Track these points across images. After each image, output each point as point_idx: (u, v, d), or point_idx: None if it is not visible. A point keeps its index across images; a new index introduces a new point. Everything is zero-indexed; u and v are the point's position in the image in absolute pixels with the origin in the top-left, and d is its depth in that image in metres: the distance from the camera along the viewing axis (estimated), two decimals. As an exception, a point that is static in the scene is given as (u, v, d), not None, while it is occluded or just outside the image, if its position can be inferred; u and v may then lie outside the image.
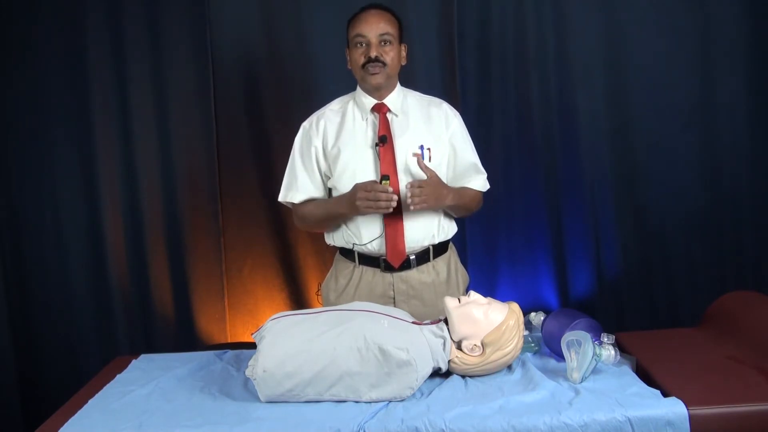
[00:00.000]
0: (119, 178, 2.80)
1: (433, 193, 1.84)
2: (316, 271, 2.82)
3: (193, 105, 2.79)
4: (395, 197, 1.81)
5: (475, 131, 2.75)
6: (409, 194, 1.81)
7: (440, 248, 2.01)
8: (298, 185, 2.00)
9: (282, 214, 2.80)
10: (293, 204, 2.03)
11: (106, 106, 2.77)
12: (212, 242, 2.83)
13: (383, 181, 1.83)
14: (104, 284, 2.83)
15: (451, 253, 2.08)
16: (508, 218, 2.84)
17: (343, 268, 2.03)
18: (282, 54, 2.77)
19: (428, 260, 1.99)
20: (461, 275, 2.08)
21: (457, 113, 2.06)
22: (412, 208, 1.82)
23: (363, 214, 1.88)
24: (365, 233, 1.93)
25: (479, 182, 2.05)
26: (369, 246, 1.94)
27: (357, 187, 1.84)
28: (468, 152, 2.03)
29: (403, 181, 1.91)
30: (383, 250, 1.93)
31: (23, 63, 2.75)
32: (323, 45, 2.74)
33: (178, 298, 2.85)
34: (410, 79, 2.74)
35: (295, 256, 2.84)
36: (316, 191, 2.01)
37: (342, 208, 1.91)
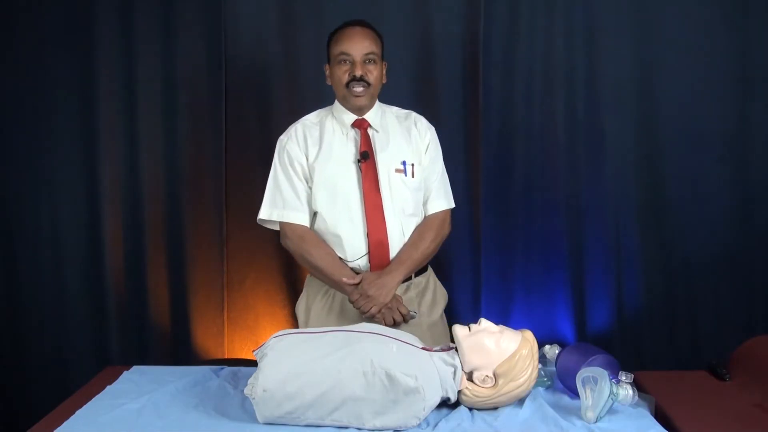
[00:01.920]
0: (121, 180, 2.82)
1: (375, 296, 1.91)
2: (321, 289, 2.82)
3: (203, 109, 2.81)
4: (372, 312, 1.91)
5: (495, 152, 2.79)
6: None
7: (421, 267, 2.07)
8: (287, 203, 2.03)
9: (289, 227, 2.81)
10: (284, 223, 2.05)
11: (111, 106, 2.80)
12: (214, 252, 2.85)
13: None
14: (99, 290, 2.84)
15: (430, 272, 2.15)
16: (526, 244, 2.84)
17: (319, 285, 2.08)
18: (297, 60, 2.79)
19: (409, 279, 2.04)
20: (440, 292, 2.14)
21: (432, 128, 2.12)
22: (366, 315, 1.92)
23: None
24: (350, 251, 1.99)
25: (443, 203, 2.09)
26: (353, 264, 1.99)
27: (360, 289, 1.92)
28: (435, 171, 2.08)
29: (386, 197, 1.98)
30: (368, 268, 1.99)
31: (28, 56, 2.78)
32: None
33: (175, 309, 2.86)
34: (431, 96, 2.77)
35: (300, 271, 2.84)
36: (305, 210, 2.03)
37: (351, 293, 1.95)
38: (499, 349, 1.62)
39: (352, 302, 1.94)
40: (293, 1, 2.79)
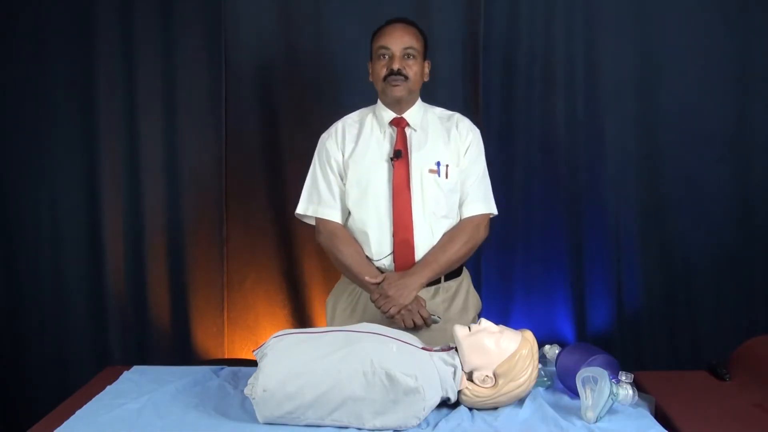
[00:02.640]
0: (122, 180, 2.83)
1: (394, 296, 1.89)
2: (321, 289, 2.82)
3: (203, 108, 2.82)
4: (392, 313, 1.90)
5: (495, 151, 2.78)
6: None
7: (452, 271, 2.03)
8: (322, 199, 2.04)
9: (289, 227, 2.81)
10: (318, 219, 2.06)
11: (111, 106, 2.80)
12: (215, 251, 2.85)
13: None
14: (99, 290, 2.84)
15: (465, 276, 2.10)
16: (525, 244, 2.85)
17: (349, 283, 2.07)
18: (299, 61, 2.80)
19: (439, 281, 2.01)
20: (473, 300, 2.10)
21: (476, 129, 2.09)
22: (386, 316, 1.90)
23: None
24: (375, 250, 1.98)
25: (479, 206, 2.05)
26: (378, 263, 1.97)
27: (380, 288, 1.91)
28: (474, 174, 2.05)
29: (417, 197, 1.95)
30: (393, 269, 1.97)
31: (28, 56, 2.79)
32: (341, 54, 2.77)
33: (175, 308, 2.86)
34: (432, 93, 2.75)
35: (301, 271, 2.85)
36: (339, 207, 2.04)
37: (373, 290, 1.95)
38: (499, 349, 1.62)
39: (372, 301, 1.93)
40: (293, 1, 2.79)
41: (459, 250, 1.99)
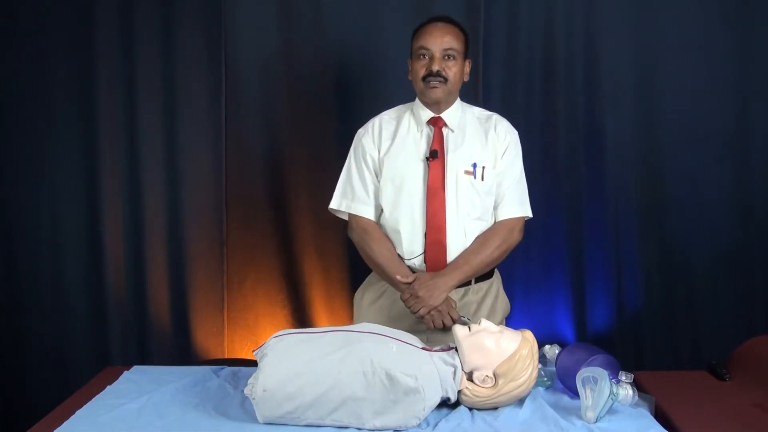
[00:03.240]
0: (121, 180, 2.82)
1: (424, 297, 1.88)
2: (321, 290, 2.82)
3: (203, 108, 2.81)
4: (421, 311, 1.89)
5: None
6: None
7: (483, 273, 2.02)
8: (355, 195, 2.04)
9: (289, 227, 2.81)
10: (351, 215, 2.06)
11: (111, 106, 2.80)
12: (215, 252, 2.85)
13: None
14: (99, 290, 2.84)
15: (495, 279, 2.09)
16: (525, 243, 2.79)
17: (378, 280, 2.07)
18: (299, 60, 2.79)
19: (469, 284, 2.00)
20: (501, 302, 2.09)
21: (514, 131, 2.08)
22: (416, 316, 1.90)
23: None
24: (407, 249, 1.98)
25: (515, 209, 2.03)
26: (410, 262, 1.97)
27: (411, 288, 1.90)
28: (510, 176, 2.03)
29: (451, 198, 1.95)
30: (424, 268, 1.96)
31: (28, 56, 2.78)
32: (342, 53, 2.76)
33: (175, 309, 2.86)
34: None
35: (301, 272, 2.84)
36: (372, 204, 2.04)
37: (404, 289, 1.94)
38: (499, 349, 1.62)
39: (403, 300, 1.92)
40: (293, 1, 2.79)
41: (492, 253, 1.98)
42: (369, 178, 2.03)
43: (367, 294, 2.10)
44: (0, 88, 2.80)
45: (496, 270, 2.10)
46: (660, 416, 1.64)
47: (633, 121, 2.79)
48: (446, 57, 1.95)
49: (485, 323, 1.67)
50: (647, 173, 2.81)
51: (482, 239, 1.98)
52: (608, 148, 2.80)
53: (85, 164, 2.82)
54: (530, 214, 2.09)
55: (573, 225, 2.83)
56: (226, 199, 2.84)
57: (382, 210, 2.03)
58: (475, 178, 1.96)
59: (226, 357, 2.85)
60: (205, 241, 2.85)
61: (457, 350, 1.66)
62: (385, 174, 2.00)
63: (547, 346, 1.90)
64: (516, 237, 2.04)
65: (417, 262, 1.97)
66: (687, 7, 2.75)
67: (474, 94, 2.77)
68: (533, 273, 2.85)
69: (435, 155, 1.96)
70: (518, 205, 2.04)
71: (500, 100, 2.79)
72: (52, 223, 2.84)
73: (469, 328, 1.66)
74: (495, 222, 2.03)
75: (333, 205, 2.08)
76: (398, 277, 1.93)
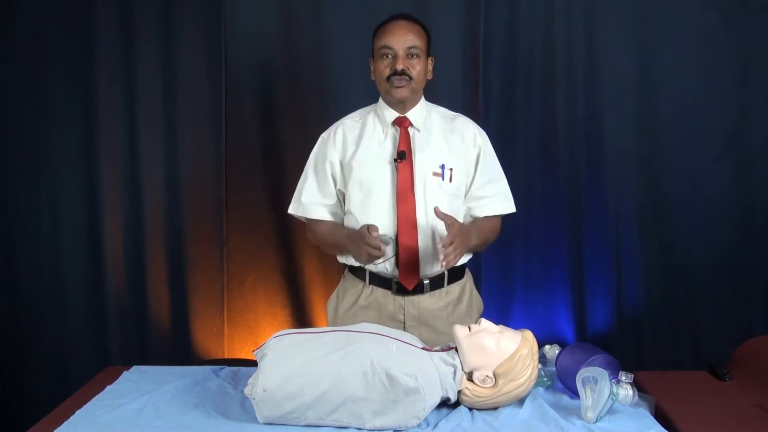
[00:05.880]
0: (122, 180, 2.83)
1: (462, 242, 1.83)
2: (321, 290, 2.82)
3: (203, 108, 2.82)
4: (388, 253, 1.87)
5: (495, 150, 2.78)
6: (442, 255, 1.78)
7: (455, 273, 2.01)
8: (310, 200, 2.02)
9: (289, 227, 2.81)
10: (307, 219, 2.05)
11: (111, 106, 2.80)
12: (214, 252, 2.85)
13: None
14: (99, 289, 2.84)
15: (467, 278, 2.08)
16: (526, 243, 2.85)
17: (351, 286, 2.03)
18: (299, 60, 2.80)
19: (442, 285, 1.99)
20: (475, 302, 2.09)
21: (483, 132, 2.07)
22: (445, 264, 1.79)
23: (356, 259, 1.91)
24: None
25: (502, 205, 2.05)
26: (381, 266, 1.95)
27: (359, 233, 1.84)
28: (495, 174, 2.04)
29: (420, 200, 1.93)
30: (396, 272, 1.94)
31: (28, 56, 2.79)
32: (342, 53, 2.77)
33: (175, 309, 2.86)
34: (431, 93, 2.76)
35: (301, 272, 2.85)
36: (327, 207, 2.02)
37: (347, 243, 1.92)
38: (499, 349, 1.62)
39: (444, 246, 1.77)
40: (293, 1, 2.79)
41: (490, 237, 2.04)
42: (326, 182, 2.01)
43: (342, 303, 2.05)
44: (0, 88, 2.80)
45: (467, 269, 2.08)
46: (660, 416, 1.64)
47: (633, 122, 2.80)
48: (410, 55, 1.92)
49: (485, 323, 1.67)
50: (647, 173, 2.81)
51: (483, 220, 2.01)
52: (608, 148, 2.80)
53: (85, 164, 2.83)
54: (513, 209, 2.10)
55: (573, 225, 2.83)
56: (226, 200, 2.84)
57: (349, 215, 2.00)
58: (443, 179, 1.94)
59: (226, 357, 2.85)
60: (205, 241, 2.85)
61: (457, 350, 1.66)
62: (353, 179, 1.97)
63: (547, 346, 1.90)
64: (497, 233, 2.09)
65: (389, 265, 1.94)
66: (687, 7, 2.75)
67: (474, 95, 2.78)
68: (533, 273, 2.85)
69: (403, 156, 1.92)
70: (508, 201, 2.07)
71: (500, 100, 2.79)
72: (52, 223, 2.85)
73: (470, 328, 1.66)
74: (483, 217, 2.03)
75: (290, 210, 2.08)
76: (368, 228, 1.80)
